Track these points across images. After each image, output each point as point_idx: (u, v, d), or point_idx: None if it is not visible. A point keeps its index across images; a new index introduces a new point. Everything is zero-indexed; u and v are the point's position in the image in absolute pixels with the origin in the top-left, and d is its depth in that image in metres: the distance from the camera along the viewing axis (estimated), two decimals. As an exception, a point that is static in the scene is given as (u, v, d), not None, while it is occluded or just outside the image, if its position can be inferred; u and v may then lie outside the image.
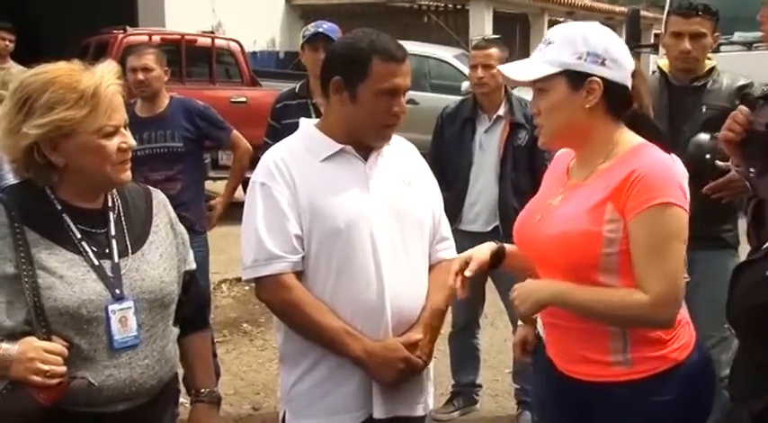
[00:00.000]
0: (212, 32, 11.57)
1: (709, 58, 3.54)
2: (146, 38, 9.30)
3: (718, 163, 2.68)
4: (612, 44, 2.09)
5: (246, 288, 5.99)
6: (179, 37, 9.53)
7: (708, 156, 2.95)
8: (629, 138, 2.12)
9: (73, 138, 1.92)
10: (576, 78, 2.05)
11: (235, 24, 13.08)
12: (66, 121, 1.89)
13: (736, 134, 2.38)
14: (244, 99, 9.19)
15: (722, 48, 9.21)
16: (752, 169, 2.43)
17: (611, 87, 2.06)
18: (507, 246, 2.30)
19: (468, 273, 2.18)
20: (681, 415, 2.10)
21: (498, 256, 2.28)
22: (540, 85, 2.10)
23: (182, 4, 13.04)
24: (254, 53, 13.03)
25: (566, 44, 2.07)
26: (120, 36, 9.45)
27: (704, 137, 3.15)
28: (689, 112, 3.30)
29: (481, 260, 2.22)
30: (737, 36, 9.09)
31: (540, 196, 2.27)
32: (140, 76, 4.17)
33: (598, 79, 2.05)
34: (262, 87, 9.94)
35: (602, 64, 2.05)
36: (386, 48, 2.25)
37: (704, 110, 3.33)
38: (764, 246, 1.90)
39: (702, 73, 3.43)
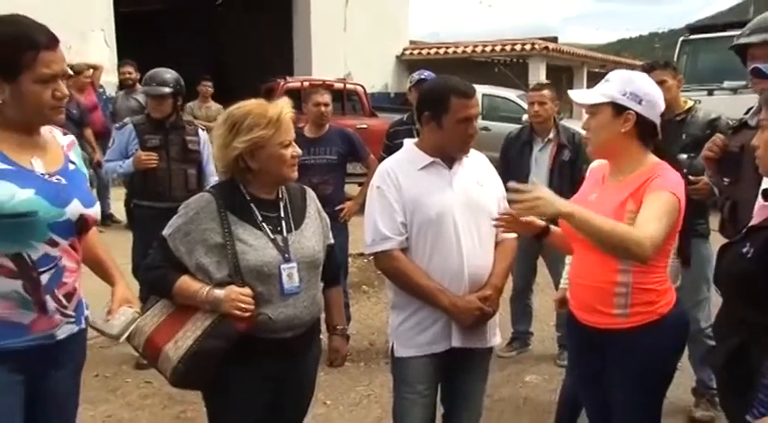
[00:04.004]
0: (344, 79, 11.63)
1: (690, 99, 3.45)
2: (299, 84, 9.57)
3: (690, 177, 2.66)
4: (651, 90, 2.07)
5: (365, 261, 5.97)
6: (321, 82, 9.67)
7: (685, 170, 2.92)
8: (652, 158, 2.09)
9: (264, 149, 1.99)
10: (617, 109, 2.04)
11: (360, 73, 13.17)
12: (261, 138, 1.98)
13: (715, 153, 2.35)
14: (365, 126, 9.18)
15: (715, 92, 8.92)
16: (725, 179, 2.40)
17: (642, 121, 2.04)
18: (552, 227, 2.29)
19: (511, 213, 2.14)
20: (663, 352, 2.10)
21: (544, 231, 2.30)
22: (593, 109, 2.08)
23: (324, 59, 13.34)
24: (373, 94, 13.10)
25: (617, 83, 2.06)
26: (282, 82, 9.76)
27: (683, 156, 3.09)
28: (672, 139, 3.22)
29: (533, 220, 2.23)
30: (726, 84, 8.74)
31: (580, 194, 2.25)
32: (323, 108, 4.17)
33: (633, 112, 2.03)
34: (378, 117, 9.96)
35: (639, 103, 2.03)
36: (459, 87, 2.24)
37: (684, 137, 3.24)
38: (742, 231, 1.88)
39: (683, 110, 3.34)
